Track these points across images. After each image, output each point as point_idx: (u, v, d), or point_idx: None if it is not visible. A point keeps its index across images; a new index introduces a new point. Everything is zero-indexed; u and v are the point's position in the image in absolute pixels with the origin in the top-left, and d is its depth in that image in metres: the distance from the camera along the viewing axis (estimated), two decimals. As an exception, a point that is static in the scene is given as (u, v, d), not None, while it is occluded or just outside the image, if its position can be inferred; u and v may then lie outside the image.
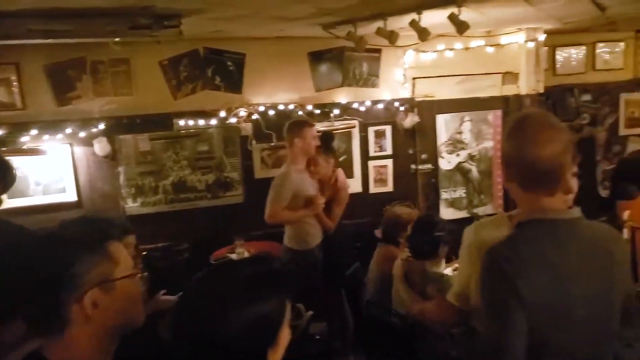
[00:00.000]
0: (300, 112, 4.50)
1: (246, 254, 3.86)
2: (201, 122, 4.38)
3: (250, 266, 1.16)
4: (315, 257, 3.73)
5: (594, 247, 1.40)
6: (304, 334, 3.16)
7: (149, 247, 4.11)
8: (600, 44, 5.83)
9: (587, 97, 5.84)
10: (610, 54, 5.89)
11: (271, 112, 4.47)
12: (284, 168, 3.69)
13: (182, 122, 4.33)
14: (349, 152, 4.80)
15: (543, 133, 1.35)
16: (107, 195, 4.28)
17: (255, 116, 4.44)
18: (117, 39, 3.53)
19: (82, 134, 4.12)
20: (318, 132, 3.81)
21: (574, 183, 1.61)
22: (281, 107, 4.47)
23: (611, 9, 4.03)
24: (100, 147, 4.11)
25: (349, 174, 4.76)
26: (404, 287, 2.94)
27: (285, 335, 1.12)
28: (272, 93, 4.51)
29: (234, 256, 3.85)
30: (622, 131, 5.96)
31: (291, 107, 4.50)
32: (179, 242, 4.37)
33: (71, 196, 4.17)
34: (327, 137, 3.98)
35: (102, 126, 4.14)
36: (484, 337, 1.47)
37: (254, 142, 4.48)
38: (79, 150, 4.18)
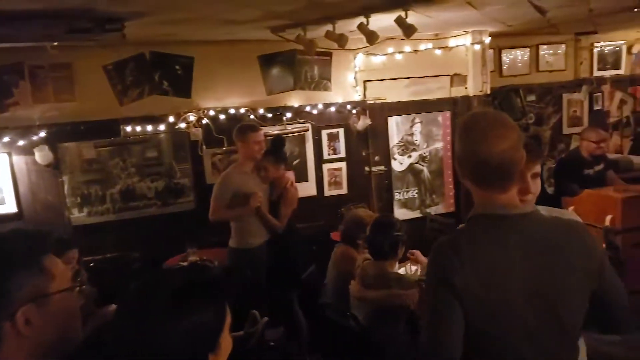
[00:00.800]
0: (251, 116, 4.46)
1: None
2: (149, 128, 4.26)
3: (183, 275, 1.14)
4: (258, 257, 3.72)
5: (541, 243, 1.40)
6: (260, 340, 3.12)
7: (97, 258, 3.97)
8: (543, 46, 6.07)
9: (532, 98, 6.07)
10: (553, 56, 6.14)
11: (222, 117, 4.40)
12: (228, 169, 3.77)
13: (129, 129, 4.21)
14: (302, 155, 4.79)
15: (493, 131, 1.36)
16: (51, 205, 4.10)
17: (205, 121, 4.36)
18: (55, 43, 3.38)
19: (21, 143, 3.94)
20: (269, 136, 3.80)
21: (535, 184, 1.65)
22: (232, 111, 4.41)
23: (551, 13, 4.18)
24: (42, 155, 3.93)
25: (304, 178, 4.75)
26: (359, 288, 2.95)
27: (226, 341, 1.11)
28: (223, 97, 4.44)
29: (186, 265, 3.76)
30: (566, 130, 6.22)
31: (242, 111, 4.45)
32: (129, 252, 4.23)
33: (11, 207, 3.98)
34: (277, 142, 3.96)
35: (43, 134, 3.97)
36: (422, 333, 1.48)
37: (204, 147, 4.40)
38: (19, 160, 3.99)
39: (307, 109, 4.72)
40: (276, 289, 3.81)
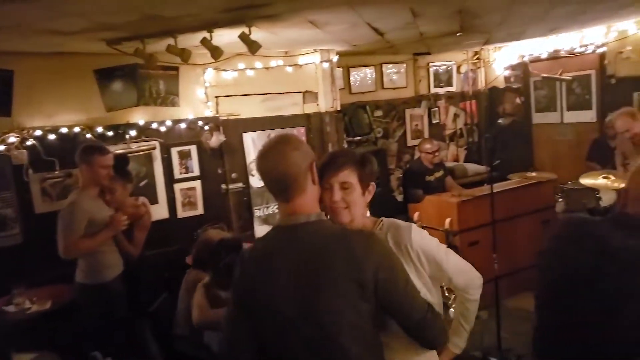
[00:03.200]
0: (88, 135, 4.05)
1: (27, 304, 3.32)
2: (-40, 152, 3.66)
3: None
4: (115, 291, 3.38)
5: (310, 253, 1.45)
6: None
7: None
8: (388, 65, 6.51)
9: (379, 113, 6.46)
10: (396, 74, 6.61)
11: (52, 137, 3.91)
12: (72, 196, 3.32)
13: None
14: (150, 175, 4.48)
15: (270, 149, 1.52)
16: None
17: (30, 142, 3.84)
18: None
19: None
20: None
21: (347, 194, 1.65)
22: (64, 130, 3.96)
23: (388, 35, 4.49)
24: None
25: (153, 199, 4.44)
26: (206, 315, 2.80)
27: None
28: (52, 115, 3.97)
29: (11, 308, 3.27)
30: (410, 142, 6.73)
31: (77, 129, 4.02)
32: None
33: None
34: (121, 161, 3.66)
35: None
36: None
37: (30, 171, 3.86)
38: None
39: (154, 125, 4.44)
40: (126, 323, 3.49)
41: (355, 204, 1.66)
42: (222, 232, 3.58)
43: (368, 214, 1.79)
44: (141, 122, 4.38)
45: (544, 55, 6.50)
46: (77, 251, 3.21)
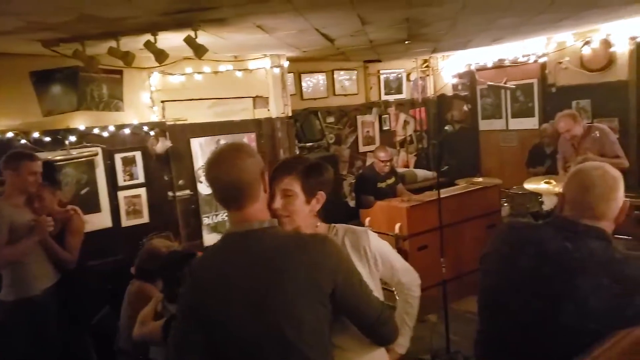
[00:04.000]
0: (23, 141, 3.84)
1: None
2: None
3: None
4: (46, 305, 3.16)
5: (265, 259, 1.44)
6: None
7: None
8: (340, 72, 6.55)
9: (331, 119, 6.48)
10: (347, 81, 6.66)
11: (-21, 142, 3.69)
12: None
13: None
14: (92, 183, 4.29)
15: (221, 157, 1.50)
16: None
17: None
18: None
19: None
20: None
21: (288, 202, 1.64)
22: (-4, 135, 3.75)
23: (338, 41, 4.50)
24: None
25: (95, 208, 4.28)
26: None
27: None
28: (-19, 119, 3.75)
29: None
30: (362, 148, 6.78)
31: (10, 135, 3.80)
32: None
33: None
34: (49, 168, 3.49)
35: None
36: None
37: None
38: None
39: (96, 131, 4.27)
40: (66, 339, 3.31)
41: (297, 212, 1.64)
42: (166, 242, 3.45)
43: (319, 223, 1.77)
44: (82, 128, 4.20)
45: (490, 64, 6.72)
46: (2, 258, 2.99)
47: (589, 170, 1.69)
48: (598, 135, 4.38)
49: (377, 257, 1.75)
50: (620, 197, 1.65)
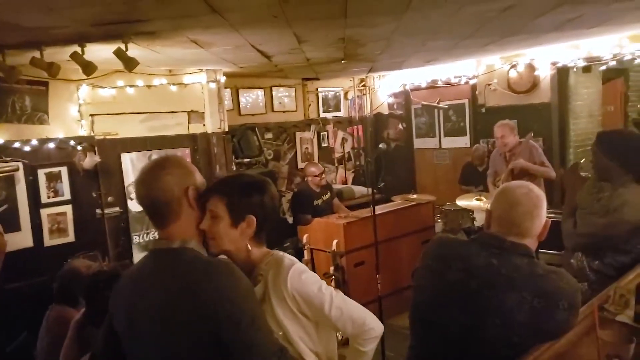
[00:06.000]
0: None
1: None
2: None
3: None
4: None
5: (168, 284, 1.40)
6: None
7: None
8: (279, 88, 6.55)
9: (269, 135, 6.46)
10: (286, 98, 6.67)
11: None
12: None
13: None
14: (12, 200, 4.01)
15: (144, 173, 1.50)
16: None
17: None
18: None
19: None
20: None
21: (213, 223, 1.54)
22: None
23: (275, 58, 4.51)
24: None
25: (15, 226, 3.99)
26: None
27: None
28: None
29: None
30: (300, 165, 6.78)
31: None
32: None
33: None
34: None
35: None
36: None
37: None
38: None
39: (17, 145, 4.01)
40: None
41: (221, 236, 1.53)
42: (86, 261, 3.25)
43: (253, 247, 1.61)
44: (1, 141, 3.94)
45: (424, 85, 6.97)
46: None
47: (514, 189, 1.77)
48: (528, 146, 4.62)
49: (297, 298, 1.51)
50: (543, 215, 1.73)
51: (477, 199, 4.92)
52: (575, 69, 5.59)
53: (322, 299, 1.53)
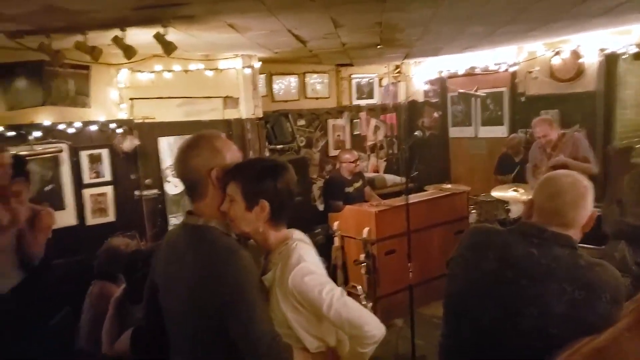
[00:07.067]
0: (-16, 135, 3.71)
1: None
2: None
3: None
4: (11, 305, 3.02)
5: (179, 252, 1.59)
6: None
7: None
8: (312, 75, 6.54)
9: (302, 122, 6.46)
10: (319, 84, 6.66)
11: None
12: None
13: None
14: (57, 180, 4.17)
15: (178, 151, 1.61)
16: None
17: None
18: None
19: None
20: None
21: (231, 206, 1.57)
22: (-45, 128, 3.61)
23: (310, 43, 4.49)
24: None
25: (59, 205, 4.15)
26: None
27: None
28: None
29: None
30: (332, 152, 6.78)
31: (-32, 128, 3.67)
32: None
33: None
34: (20, 161, 3.36)
35: None
36: None
37: None
38: None
39: (61, 127, 4.14)
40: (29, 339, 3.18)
41: (236, 219, 1.57)
42: (125, 240, 3.34)
43: (272, 232, 1.63)
44: (47, 123, 4.08)
45: (461, 72, 6.82)
46: None
47: (559, 177, 1.71)
48: (572, 140, 4.48)
49: (297, 296, 1.53)
50: (589, 205, 1.67)
51: (513, 190, 4.82)
52: (625, 56, 5.33)
53: (321, 302, 1.52)
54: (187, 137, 1.61)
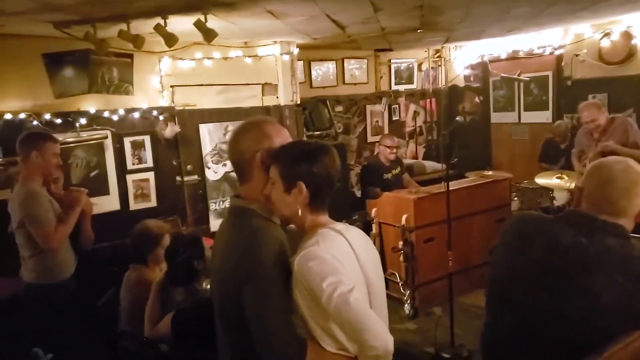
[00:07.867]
0: (35, 122, 3.85)
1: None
2: None
3: None
4: (71, 289, 3.19)
5: (224, 236, 1.62)
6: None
7: None
8: (350, 60, 6.48)
9: (339, 108, 6.43)
10: (357, 70, 6.59)
11: (-6, 122, 3.70)
12: (22, 188, 3.03)
13: None
14: (101, 165, 4.30)
15: (233, 132, 1.63)
16: None
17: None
18: None
19: None
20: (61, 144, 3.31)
21: (274, 189, 1.53)
22: (8, 116, 3.75)
23: (349, 28, 4.45)
24: None
25: (104, 190, 4.30)
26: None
27: None
28: (-5, 99, 3.75)
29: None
30: (370, 138, 6.73)
31: (22, 116, 3.81)
32: None
33: None
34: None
35: None
36: None
37: (-29, 158, 3.65)
38: None
39: (106, 114, 4.27)
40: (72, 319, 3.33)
41: (277, 201, 1.54)
42: (160, 223, 3.36)
43: (309, 216, 1.55)
44: (92, 110, 4.20)
45: (503, 56, 6.62)
46: (61, 237, 3.05)
47: (610, 164, 1.64)
48: (623, 124, 4.29)
49: (302, 280, 1.40)
50: None
51: (558, 177, 4.67)
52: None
53: (321, 292, 1.37)
54: (228, 129, 1.67)
